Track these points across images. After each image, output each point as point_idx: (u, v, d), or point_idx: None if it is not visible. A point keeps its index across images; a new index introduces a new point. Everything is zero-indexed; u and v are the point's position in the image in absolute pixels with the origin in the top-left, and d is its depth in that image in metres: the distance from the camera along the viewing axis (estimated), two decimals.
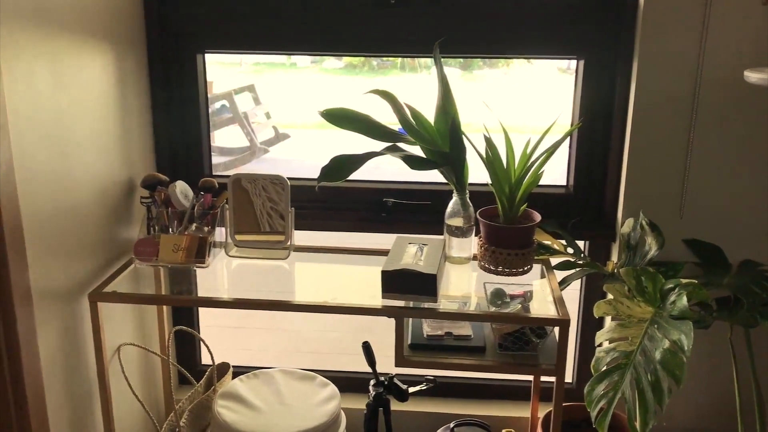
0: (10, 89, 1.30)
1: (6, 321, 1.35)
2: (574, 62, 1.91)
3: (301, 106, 8.42)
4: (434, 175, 1.77)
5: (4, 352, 1.36)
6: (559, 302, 1.59)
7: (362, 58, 9.54)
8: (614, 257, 1.90)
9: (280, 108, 7.54)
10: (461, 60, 7.94)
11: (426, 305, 1.56)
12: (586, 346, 2.04)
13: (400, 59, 9.40)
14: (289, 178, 1.80)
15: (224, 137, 6.01)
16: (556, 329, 1.56)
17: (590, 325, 2.02)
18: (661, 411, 1.39)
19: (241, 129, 5.94)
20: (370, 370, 1.77)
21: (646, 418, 1.41)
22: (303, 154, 6.67)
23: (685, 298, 1.44)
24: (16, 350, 1.37)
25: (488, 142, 1.62)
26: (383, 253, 1.85)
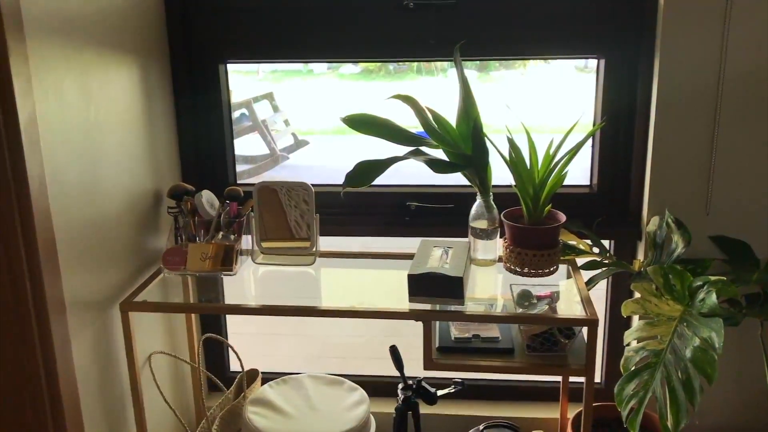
0: (40, 103, 1.33)
1: (42, 332, 1.38)
2: (591, 61, 1.90)
3: (319, 112, 8.46)
4: (456, 178, 1.77)
5: (40, 363, 1.39)
6: (587, 302, 1.59)
7: (379, 63, 9.56)
8: (640, 256, 1.89)
9: (298, 115, 7.58)
10: (477, 62, 7.93)
11: (453, 308, 1.57)
12: (614, 346, 2.03)
13: (416, 63, 9.41)
14: (312, 185, 1.81)
15: (244, 145, 6.07)
16: (585, 329, 1.56)
17: (617, 324, 2.01)
18: (693, 409, 1.38)
19: (261, 137, 5.98)
20: (397, 373, 1.77)
21: (678, 417, 1.40)
22: (323, 160, 6.70)
23: (714, 296, 1.43)
24: (51, 360, 1.40)
25: (511, 143, 1.62)
26: (408, 257, 1.86)
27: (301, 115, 7.95)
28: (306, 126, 7.75)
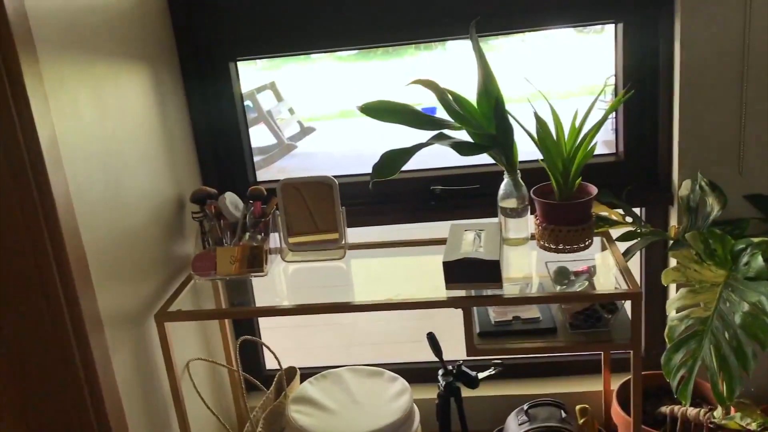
0: (59, 122, 1.30)
1: (82, 350, 1.37)
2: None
3: (321, 97, 8.40)
4: (479, 157, 1.73)
5: (83, 382, 1.38)
6: (627, 274, 1.56)
7: None
8: (673, 221, 1.85)
9: (301, 101, 7.54)
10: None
11: (491, 292, 1.54)
12: (652, 316, 2.00)
13: None
14: (334, 176, 1.78)
15: (251, 137, 6.05)
16: (627, 302, 1.53)
17: (654, 293, 1.98)
18: (748, 376, 1.36)
19: (267, 127, 5.95)
20: (435, 358, 1.75)
21: (732, 385, 1.37)
22: (330, 146, 6.67)
23: (760, 258, 1.40)
24: (94, 378, 1.39)
25: (538, 118, 1.58)
26: (435, 242, 1.84)
27: (304, 101, 7.90)
28: (309, 112, 7.70)
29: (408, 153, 1.55)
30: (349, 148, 6.40)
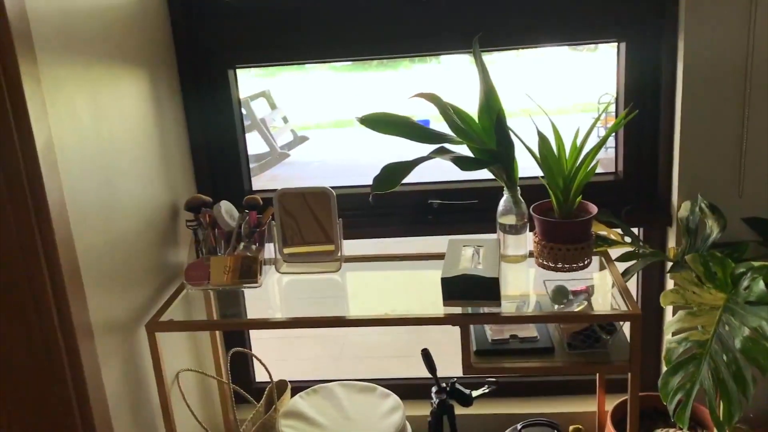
0: (55, 126, 1.28)
1: (71, 358, 1.34)
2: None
3: (315, 106, 8.40)
4: (477, 173, 1.72)
5: (71, 389, 1.35)
6: (627, 295, 1.54)
7: None
8: (671, 242, 1.84)
9: (295, 110, 7.53)
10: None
11: (488, 310, 1.52)
12: (647, 337, 1.99)
13: None
14: (332, 187, 1.76)
15: None
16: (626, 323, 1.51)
17: (649, 315, 1.96)
18: (747, 402, 1.34)
19: (261, 135, 5.93)
20: (428, 374, 1.73)
21: (730, 410, 1.36)
22: (323, 155, 6.65)
23: (761, 283, 1.39)
24: (82, 386, 1.36)
25: (541, 136, 1.57)
26: (432, 257, 1.82)
27: (298, 110, 7.90)
28: (303, 121, 7.69)
29: (409, 166, 1.54)
30: (342, 157, 6.39)
